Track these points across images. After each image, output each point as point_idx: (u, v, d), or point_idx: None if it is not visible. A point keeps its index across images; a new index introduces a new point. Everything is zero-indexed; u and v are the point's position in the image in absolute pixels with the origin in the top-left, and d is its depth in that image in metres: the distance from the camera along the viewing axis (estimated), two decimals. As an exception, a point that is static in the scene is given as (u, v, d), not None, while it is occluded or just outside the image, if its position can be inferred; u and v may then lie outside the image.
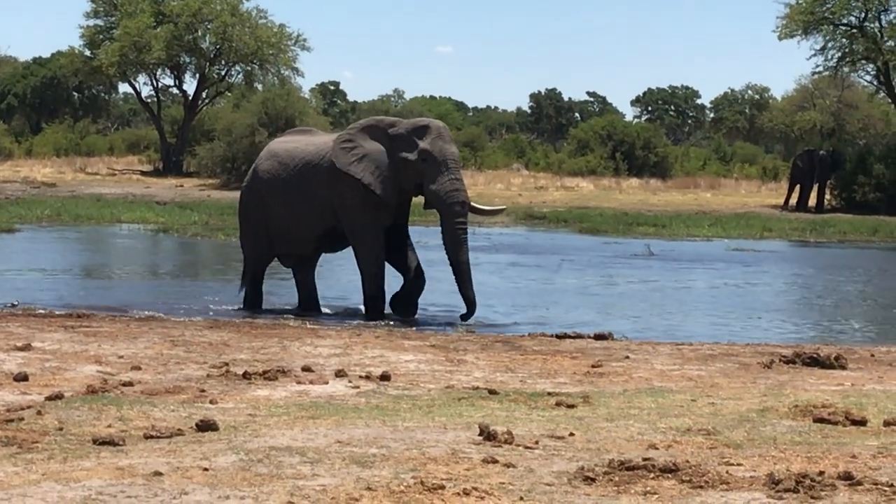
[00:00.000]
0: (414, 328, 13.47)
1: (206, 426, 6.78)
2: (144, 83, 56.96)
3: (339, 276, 18.26)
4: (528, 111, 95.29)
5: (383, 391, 8.53)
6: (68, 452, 6.14)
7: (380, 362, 10.03)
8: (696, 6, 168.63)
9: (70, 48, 58.06)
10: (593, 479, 5.65)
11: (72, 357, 9.89)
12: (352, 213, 14.41)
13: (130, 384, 8.49)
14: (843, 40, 46.55)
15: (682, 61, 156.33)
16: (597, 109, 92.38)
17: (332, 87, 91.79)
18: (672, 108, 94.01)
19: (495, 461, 5.98)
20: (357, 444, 6.39)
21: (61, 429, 6.76)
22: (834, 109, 65.19)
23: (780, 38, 46.42)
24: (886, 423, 7.25)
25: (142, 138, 65.06)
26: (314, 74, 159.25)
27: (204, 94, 56.01)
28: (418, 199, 14.71)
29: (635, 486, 5.57)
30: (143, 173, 52.36)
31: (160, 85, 56.94)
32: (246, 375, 8.91)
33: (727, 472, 5.82)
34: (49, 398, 7.76)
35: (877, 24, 46.30)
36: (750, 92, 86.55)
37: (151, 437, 6.57)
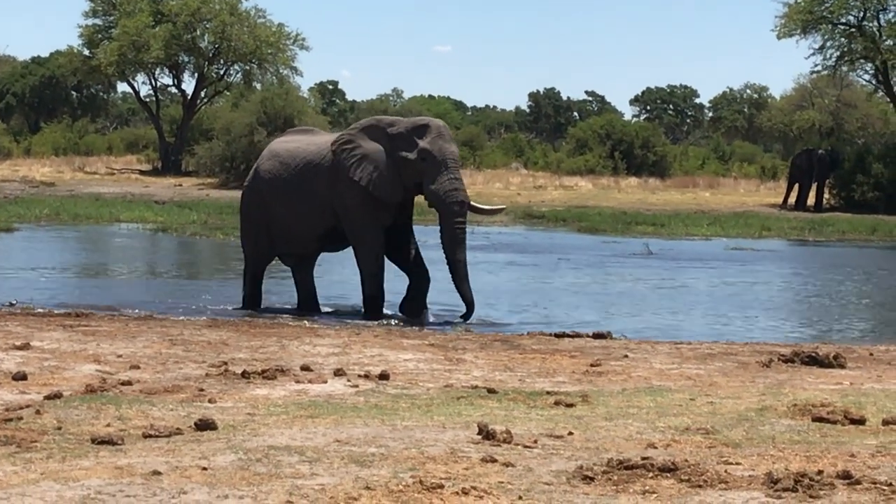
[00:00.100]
0: (413, 327, 13.47)
1: (204, 425, 6.77)
2: (143, 82, 57.10)
3: (339, 275, 18.24)
4: (527, 110, 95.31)
5: (382, 390, 8.53)
6: (67, 452, 6.13)
7: (379, 361, 10.03)
8: (695, 6, 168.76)
9: (69, 47, 58.18)
10: (592, 479, 5.65)
11: (70, 356, 9.89)
12: (352, 212, 14.41)
13: (129, 383, 8.49)
14: (842, 39, 46.58)
15: (680, 60, 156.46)
16: (595, 109, 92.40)
17: (330, 87, 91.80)
18: (671, 107, 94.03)
19: (494, 460, 5.97)
20: (356, 444, 6.38)
21: (60, 428, 6.76)
22: (832, 109, 65.21)
23: (778, 38, 46.49)
24: (885, 422, 7.25)
25: (140, 138, 65.07)
26: (313, 74, 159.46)
27: (202, 94, 56.01)
28: (421, 199, 14.70)
29: (634, 485, 5.57)
30: (142, 172, 52.35)
31: (159, 84, 57.02)
32: (245, 374, 8.91)
33: (726, 471, 5.82)
34: (48, 397, 7.76)
35: (875, 23, 46.32)
36: (749, 91, 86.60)
37: (150, 436, 6.56)
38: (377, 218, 14.37)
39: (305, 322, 13.64)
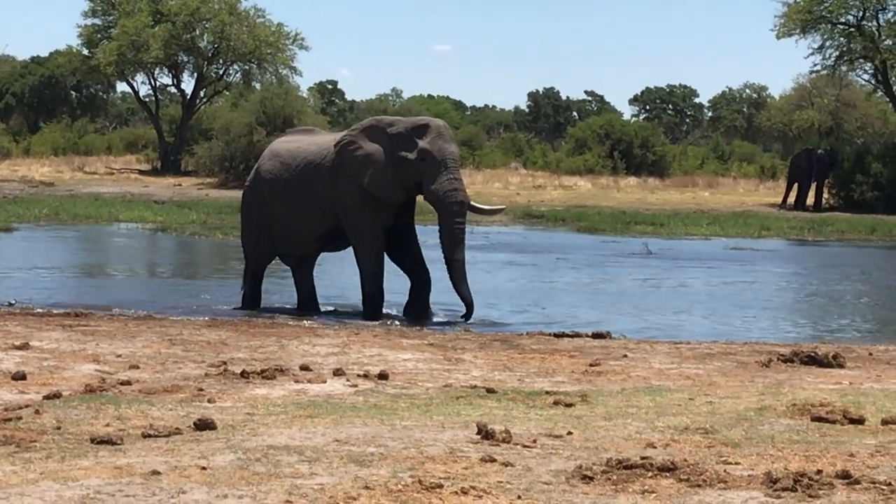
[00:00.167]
0: (412, 327, 13.47)
1: (204, 425, 6.77)
2: (142, 82, 57.10)
3: (338, 275, 18.24)
4: (526, 110, 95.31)
5: (381, 390, 8.53)
6: (66, 451, 6.13)
7: (378, 361, 10.03)
8: (694, 5, 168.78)
9: (68, 47, 58.17)
10: (591, 478, 5.64)
11: (70, 356, 9.89)
12: (352, 212, 14.41)
13: (128, 383, 8.49)
14: (841, 39, 46.60)
15: (680, 60, 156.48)
16: (595, 108, 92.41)
17: (329, 86, 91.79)
18: (670, 106, 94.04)
19: (493, 460, 5.97)
20: (355, 443, 6.38)
21: (59, 428, 6.75)
22: (832, 108, 65.22)
23: (778, 37, 46.53)
24: (884, 422, 7.25)
25: (140, 137, 65.06)
26: (312, 73, 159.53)
27: (202, 94, 56.00)
28: (422, 198, 14.69)
29: (633, 484, 5.57)
30: (141, 172, 52.34)
31: (158, 84, 57.01)
32: (244, 374, 8.91)
33: (725, 470, 5.82)
34: (47, 397, 7.75)
35: (874, 22, 46.35)
36: (748, 91, 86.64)
37: (149, 436, 6.56)
38: (377, 218, 14.37)
39: (305, 322, 13.64)
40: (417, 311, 14.29)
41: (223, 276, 19.39)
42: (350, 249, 14.88)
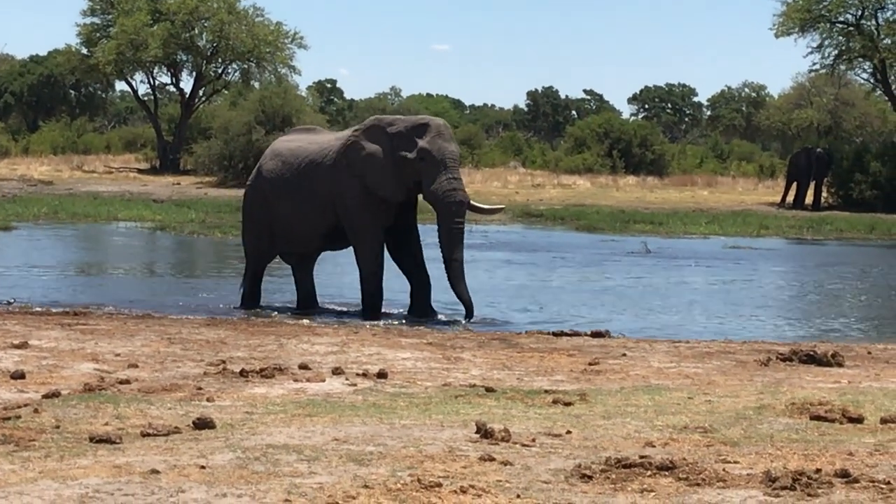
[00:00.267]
0: (411, 326, 13.47)
1: (202, 424, 6.77)
2: (141, 81, 56.97)
3: (338, 274, 18.24)
4: (525, 109, 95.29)
5: (380, 389, 8.53)
6: (65, 450, 6.13)
7: (377, 360, 10.03)
8: (693, 4, 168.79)
9: (67, 46, 58.07)
10: (590, 477, 5.65)
11: (68, 355, 9.88)
12: (352, 211, 14.41)
13: (127, 382, 8.49)
14: (840, 38, 46.59)
15: (678, 59, 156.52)
16: (593, 107, 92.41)
17: (328, 85, 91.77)
18: (669, 105, 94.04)
19: (492, 459, 5.97)
20: (354, 442, 6.38)
21: (58, 427, 6.75)
22: (831, 107, 65.22)
23: (776, 36, 46.50)
24: (883, 421, 7.25)
25: (139, 136, 65.03)
26: (311, 72, 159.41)
27: (201, 92, 55.96)
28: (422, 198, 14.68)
29: (632, 483, 5.57)
30: (140, 171, 52.32)
31: (157, 83, 56.93)
32: (243, 373, 8.91)
33: (724, 469, 5.82)
34: (46, 396, 7.75)
35: (873, 21, 46.33)
36: (747, 90, 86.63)
37: (148, 434, 6.56)
38: (377, 217, 14.37)
39: (304, 321, 13.64)
40: (420, 313, 14.28)
41: (222, 274, 19.39)
42: (349, 249, 14.88)
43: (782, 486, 5.46)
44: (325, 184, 14.52)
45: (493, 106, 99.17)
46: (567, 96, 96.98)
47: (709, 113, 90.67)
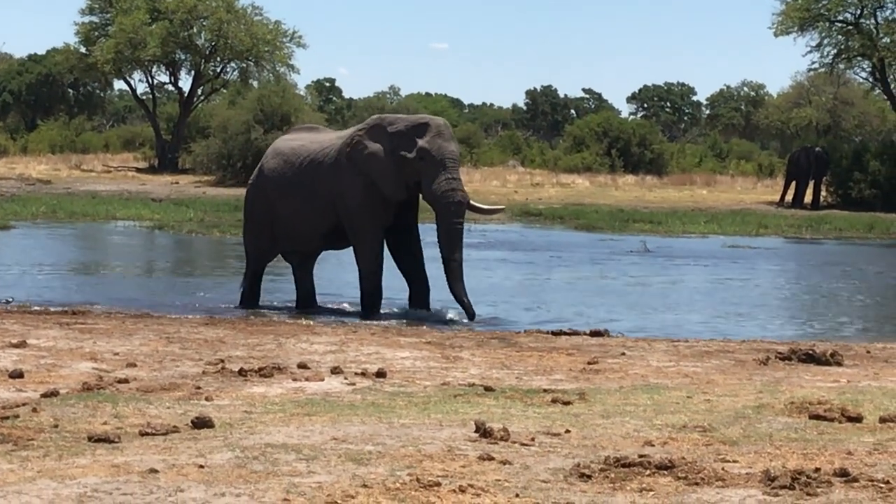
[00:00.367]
0: (410, 325, 13.47)
1: (201, 423, 6.77)
2: (140, 80, 56.97)
3: (337, 274, 18.23)
4: (524, 108, 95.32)
5: (379, 388, 8.53)
6: (63, 450, 6.13)
7: (376, 359, 10.03)
8: (692, 3, 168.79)
9: (65, 45, 58.04)
10: (589, 476, 5.64)
11: (67, 354, 9.88)
12: (353, 211, 14.41)
13: (126, 381, 8.48)
14: (839, 37, 46.60)
15: (677, 58, 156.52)
16: (592, 106, 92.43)
17: (327, 84, 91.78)
18: (668, 104, 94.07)
19: (491, 458, 5.97)
20: (353, 441, 6.38)
21: (56, 426, 6.75)
22: (830, 106, 65.26)
23: (775, 35, 46.49)
24: (882, 420, 7.25)
25: (137, 135, 65.03)
26: (310, 71, 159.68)
27: (199, 91, 55.96)
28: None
29: (631, 482, 5.57)
30: (139, 170, 52.31)
31: (155, 82, 56.92)
32: (242, 372, 8.90)
33: (723, 468, 5.82)
34: (44, 395, 7.75)
35: (872, 20, 46.34)
36: (746, 89, 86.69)
37: (147, 434, 6.56)
38: (378, 217, 14.36)
39: (302, 320, 13.64)
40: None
41: (220, 273, 19.39)
42: (349, 248, 14.88)
43: (781, 485, 5.46)
44: (327, 183, 14.51)
45: (491, 105, 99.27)
46: (566, 95, 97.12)
47: (708, 112, 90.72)
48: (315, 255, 15.41)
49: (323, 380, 8.80)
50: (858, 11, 46.09)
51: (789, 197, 41.45)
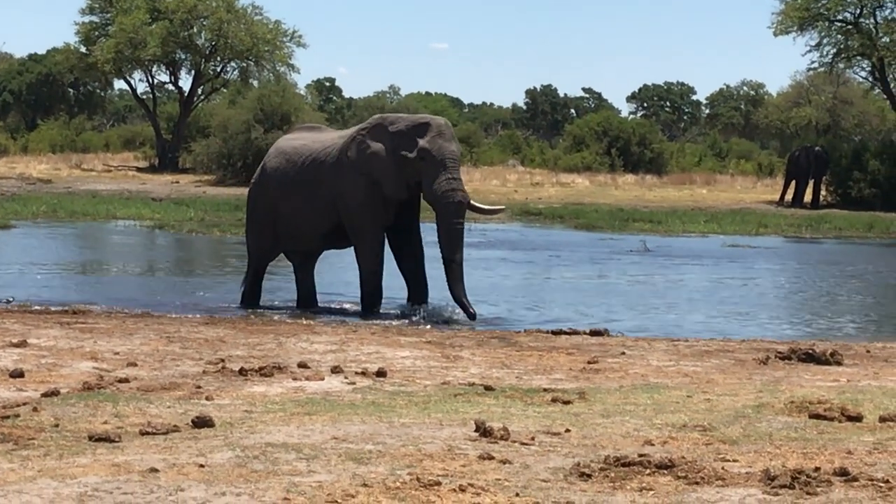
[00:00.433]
0: (410, 325, 13.47)
1: (201, 422, 6.77)
2: (140, 79, 57.00)
3: (336, 273, 18.23)
4: (524, 107, 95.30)
5: (379, 387, 8.53)
6: (64, 449, 6.13)
7: (376, 358, 10.03)
8: (692, 2, 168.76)
9: (66, 45, 58.06)
10: (589, 475, 5.65)
11: (67, 353, 9.88)
12: (353, 210, 14.41)
13: (126, 380, 8.48)
14: (839, 36, 46.60)
15: (677, 57, 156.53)
16: (592, 105, 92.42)
17: (327, 84, 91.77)
18: (667, 104, 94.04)
19: (491, 457, 5.98)
20: (353, 441, 6.38)
21: (57, 425, 6.75)
22: (829, 105, 65.23)
23: (775, 35, 46.50)
24: (882, 419, 7.25)
25: (137, 135, 65.03)
26: (310, 71, 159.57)
27: (199, 91, 55.97)
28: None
29: (631, 482, 5.57)
30: (139, 170, 52.31)
31: (156, 81, 56.95)
32: (242, 372, 8.91)
33: (723, 468, 5.82)
34: (45, 395, 7.75)
35: (872, 20, 46.34)
36: (745, 88, 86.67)
37: (147, 433, 6.56)
38: (379, 216, 14.36)
39: (303, 319, 13.64)
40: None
41: (221, 273, 19.39)
42: (350, 247, 14.88)
43: (781, 484, 5.46)
44: (328, 182, 14.51)
45: (491, 104, 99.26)
46: (566, 94, 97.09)
47: (707, 111, 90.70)
48: (316, 255, 15.42)
49: (323, 379, 8.81)
50: (858, 11, 46.09)
51: (789, 196, 41.46)
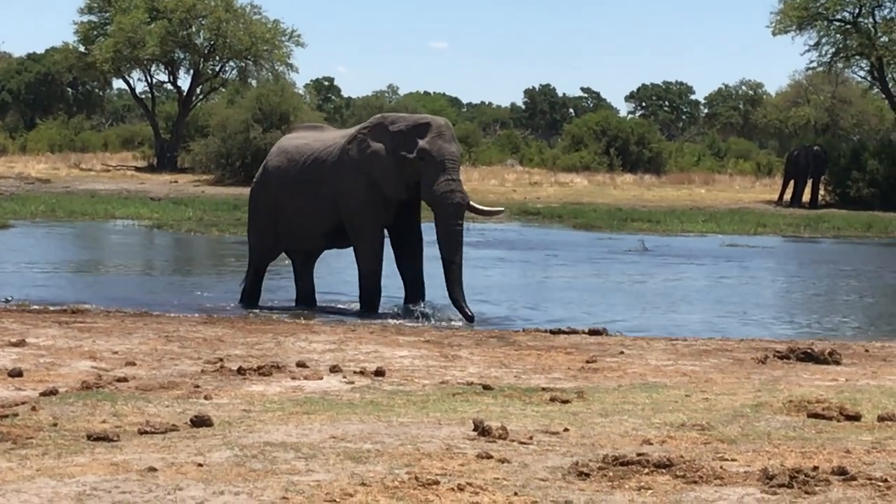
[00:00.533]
0: (409, 324, 13.47)
1: (200, 422, 6.77)
2: (139, 79, 56.96)
3: (336, 272, 18.23)
4: (523, 107, 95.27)
5: (378, 387, 8.53)
6: (62, 448, 6.13)
7: (374, 358, 10.03)
8: (691, 2, 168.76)
9: (64, 44, 58.00)
10: (587, 475, 5.65)
11: (66, 353, 9.88)
12: (353, 210, 14.40)
13: (125, 380, 8.48)
14: (837, 36, 46.58)
15: (676, 57, 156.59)
16: (591, 105, 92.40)
17: (326, 83, 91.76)
18: (666, 103, 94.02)
19: (490, 456, 5.98)
20: (351, 440, 6.38)
21: (55, 424, 6.75)
22: (828, 105, 65.23)
23: (774, 34, 46.47)
24: (880, 419, 7.26)
25: (136, 134, 65.01)
26: (308, 70, 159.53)
27: (198, 90, 55.94)
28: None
29: (629, 481, 5.57)
30: (138, 169, 52.28)
31: (154, 81, 56.91)
32: (240, 371, 8.91)
33: (721, 467, 5.83)
34: (43, 394, 7.75)
35: (870, 19, 46.32)
36: (744, 88, 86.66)
37: (146, 432, 6.56)
38: (379, 216, 14.35)
39: (301, 318, 13.64)
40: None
41: (219, 272, 19.39)
42: (350, 247, 14.87)
43: (779, 483, 5.46)
44: (329, 181, 14.51)
45: (490, 104, 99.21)
46: (564, 94, 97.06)
47: (706, 111, 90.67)
48: (317, 254, 15.42)
49: (322, 378, 8.81)
50: (857, 10, 46.09)
51: (788, 196, 41.45)
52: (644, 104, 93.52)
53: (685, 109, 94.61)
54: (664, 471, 5.71)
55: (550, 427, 6.91)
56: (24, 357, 9.51)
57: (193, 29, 53.39)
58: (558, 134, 72.01)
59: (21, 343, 10.21)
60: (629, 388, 8.61)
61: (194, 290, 16.55)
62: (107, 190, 39.92)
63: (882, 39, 45.67)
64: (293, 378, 8.79)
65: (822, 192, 41.66)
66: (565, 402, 7.83)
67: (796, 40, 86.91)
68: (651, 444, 6.48)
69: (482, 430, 6.57)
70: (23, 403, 7.38)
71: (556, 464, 5.90)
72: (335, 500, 5.12)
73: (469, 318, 13.83)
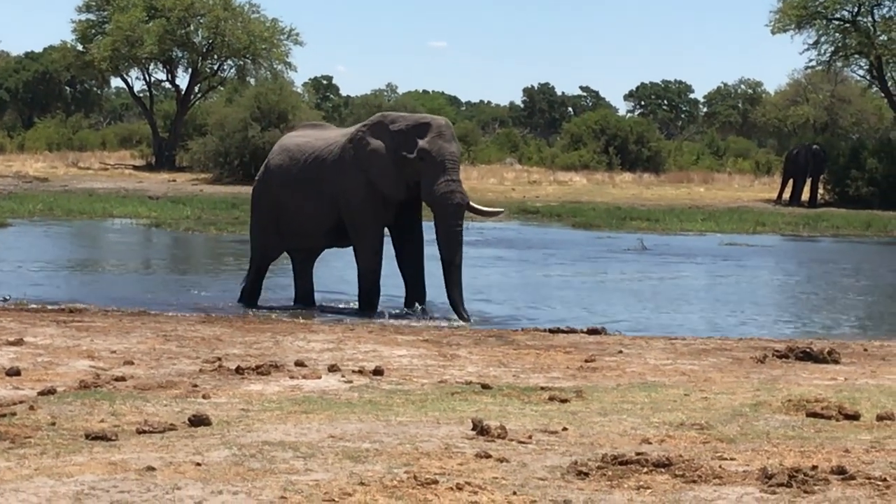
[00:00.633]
0: (407, 323, 13.46)
1: (198, 421, 6.76)
2: (137, 78, 56.96)
3: (334, 271, 18.23)
4: (522, 106, 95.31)
5: (376, 386, 8.52)
6: (61, 447, 6.12)
7: (373, 357, 10.03)
8: (690, 1, 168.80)
9: (62, 43, 57.99)
10: (586, 474, 5.64)
11: (64, 352, 9.87)
12: (354, 208, 14.39)
13: (123, 379, 8.48)
14: (836, 35, 46.59)
15: (675, 56, 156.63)
16: (590, 104, 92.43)
17: (324, 82, 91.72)
18: (665, 102, 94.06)
19: (488, 456, 5.97)
20: (350, 439, 6.38)
21: (54, 424, 6.74)
22: (827, 104, 65.28)
23: (773, 33, 46.49)
24: (879, 418, 7.25)
25: (134, 133, 65.01)
26: (307, 69, 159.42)
27: (196, 89, 55.92)
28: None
29: (628, 480, 5.57)
30: (136, 168, 52.27)
31: (152, 79, 56.89)
32: (239, 370, 8.90)
33: (720, 466, 5.82)
34: (41, 393, 7.74)
35: (870, 18, 46.33)
36: (743, 86, 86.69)
37: (144, 431, 6.55)
38: (379, 215, 14.34)
39: (300, 318, 13.63)
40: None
41: (217, 271, 19.37)
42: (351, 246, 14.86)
43: (778, 482, 5.46)
44: (330, 180, 14.50)
45: (489, 103, 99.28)
46: (563, 93, 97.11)
47: (705, 110, 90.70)
48: (317, 253, 15.41)
49: (320, 378, 8.80)
50: (856, 9, 46.10)
51: (787, 195, 41.47)
52: (643, 103, 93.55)
53: (684, 108, 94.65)
54: (663, 470, 5.70)
55: (549, 426, 6.90)
56: (22, 356, 9.50)
57: (192, 27, 53.38)
58: (557, 133, 72.03)
59: (19, 342, 10.20)
60: (628, 387, 8.61)
61: (192, 289, 16.54)
62: (105, 189, 39.91)
63: (881, 38, 45.68)
64: (291, 377, 8.78)
65: (821, 190, 41.67)
66: (564, 401, 7.83)
67: (795, 39, 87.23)
68: (650, 443, 6.48)
69: (481, 430, 6.56)
70: (21, 403, 7.38)
71: (555, 463, 5.89)
72: (334, 500, 5.11)
73: (465, 321, 13.81)
